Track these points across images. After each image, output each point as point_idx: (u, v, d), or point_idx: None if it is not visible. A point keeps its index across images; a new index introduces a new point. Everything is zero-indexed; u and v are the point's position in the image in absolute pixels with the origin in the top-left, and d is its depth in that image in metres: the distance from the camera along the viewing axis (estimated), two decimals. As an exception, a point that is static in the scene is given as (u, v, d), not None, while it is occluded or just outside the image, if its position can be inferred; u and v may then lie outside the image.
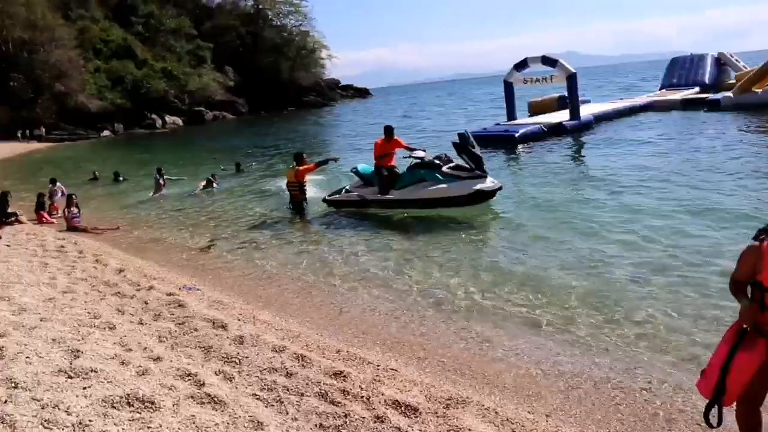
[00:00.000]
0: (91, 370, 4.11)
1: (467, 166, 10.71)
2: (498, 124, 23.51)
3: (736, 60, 35.95)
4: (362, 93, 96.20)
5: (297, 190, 12.36)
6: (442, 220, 10.46)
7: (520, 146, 19.70)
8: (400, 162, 12.07)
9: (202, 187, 16.78)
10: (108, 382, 3.97)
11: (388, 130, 11.73)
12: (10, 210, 12.61)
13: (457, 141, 10.74)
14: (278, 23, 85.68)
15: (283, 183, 14.15)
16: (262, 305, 6.88)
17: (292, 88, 78.05)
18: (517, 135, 20.25)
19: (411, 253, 8.77)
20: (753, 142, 16.49)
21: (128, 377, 4.12)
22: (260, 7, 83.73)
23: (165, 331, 5.38)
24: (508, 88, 23.98)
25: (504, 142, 20.24)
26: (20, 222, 12.48)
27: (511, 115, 24.35)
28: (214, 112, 68.61)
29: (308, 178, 12.88)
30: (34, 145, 46.13)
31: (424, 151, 11.69)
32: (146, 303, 6.35)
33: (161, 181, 17.03)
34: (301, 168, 12.30)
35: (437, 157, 11.20)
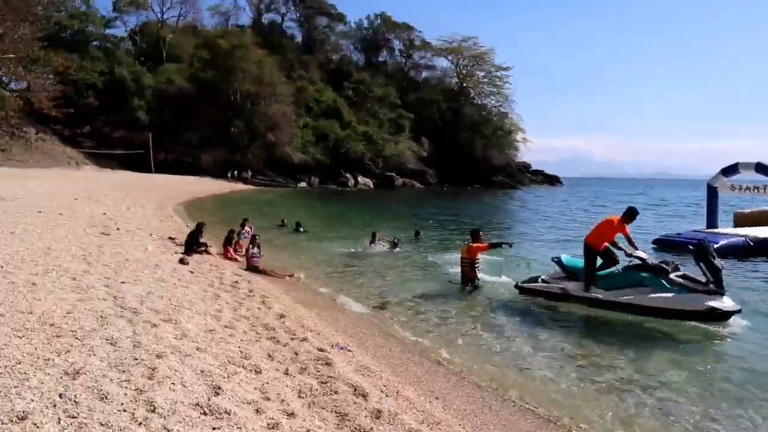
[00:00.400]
0: (226, 412, 4.17)
1: (700, 278, 9.58)
2: (695, 231, 21.56)
3: None
4: (552, 180, 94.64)
5: (468, 266, 12.24)
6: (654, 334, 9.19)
7: (718, 259, 17.76)
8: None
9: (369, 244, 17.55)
10: (238, 428, 4.00)
11: (632, 213, 10.53)
12: (202, 240, 13.71)
13: (696, 247, 9.69)
14: (479, 102, 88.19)
15: (452, 257, 14.02)
16: (410, 381, 6.65)
17: (483, 166, 79.17)
18: (716, 245, 18.35)
19: (594, 366, 7.70)
20: None
21: (258, 428, 4.12)
22: (464, 85, 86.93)
23: (306, 387, 5.37)
24: (712, 193, 22.00)
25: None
26: (209, 253, 13.41)
27: (711, 222, 22.24)
28: (404, 178, 71.48)
29: (481, 256, 12.68)
30: (240, 186, 51.23)
31: (645, 252, 10.62)
32: (296, 354, 6.43)
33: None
34: (474, 245, 12.20)
35: (664, 262, 10.04)
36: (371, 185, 66.75)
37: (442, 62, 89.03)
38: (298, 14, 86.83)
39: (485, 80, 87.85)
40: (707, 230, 21.37)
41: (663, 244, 20.12)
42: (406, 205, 41.63)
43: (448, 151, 77.71)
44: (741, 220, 26.10)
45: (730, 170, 21.18)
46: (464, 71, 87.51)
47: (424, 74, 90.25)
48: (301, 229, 21.70)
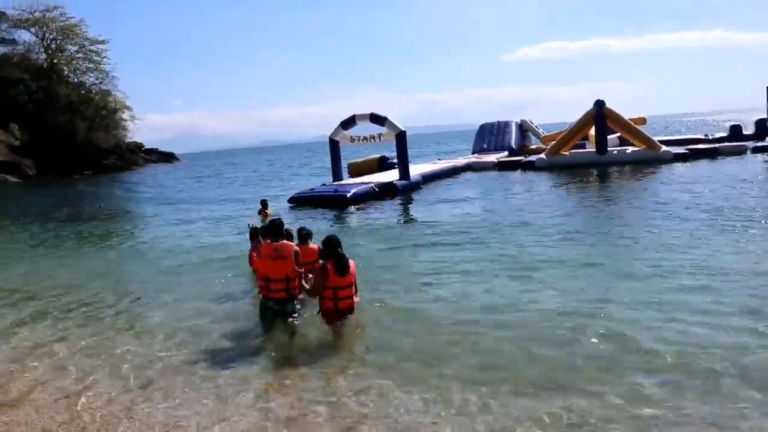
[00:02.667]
0: None
1: None
2: (324, 185, 22.16)
3: (536, 126, 39.07)
4: (168, 157, 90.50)
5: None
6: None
7: (352, 207, 18.45)
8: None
9: None
10: None
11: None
12: None
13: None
14: (75, 80, 78.98)
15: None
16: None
17: (90, 150, 71.54)
18: (348, 195, 19.01)
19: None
20: (562, 195, 18.78)
21: None
22: (55, 61, 76.65)
23: None
24: (334, 146, 22.86)
25: (334, 202, 18.93)
26: None
27: (337, 175, 23.19)
28: (-6, 174, 60.17)
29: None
30: None
31: None
32: None
33: None
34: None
35: None
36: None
37: (25, 36, 76.63)
38: None
39: (80, 56, 78.74)
40: (336, 183, 22.16)
41: (298, 201, 20.13)
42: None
43: (46, 138, 67.95)
44: (356, 170, 28.26)
45: (348, 123, 22.17)
46: (53, 46, 76.97)
47: (2, 50, 76.50)
48: None
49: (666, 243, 9.84)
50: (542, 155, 27.39)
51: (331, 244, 6.64)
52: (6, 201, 36.01)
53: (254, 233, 8.65)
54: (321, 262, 6.93)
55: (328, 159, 24.13)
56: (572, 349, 5.65)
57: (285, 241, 7.05)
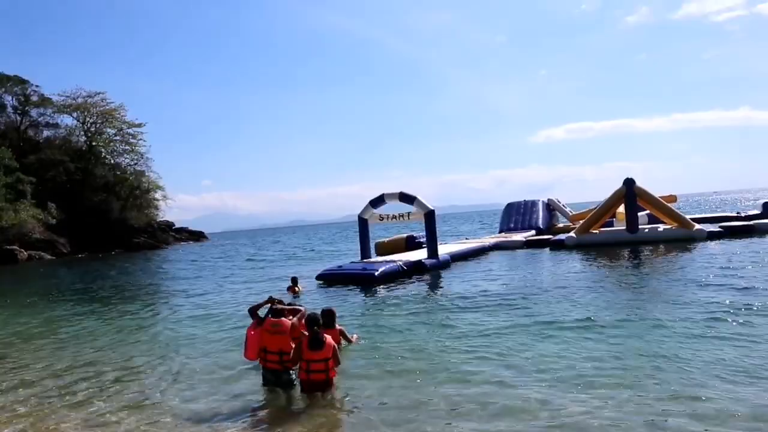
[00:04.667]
0: None
1: None
2: (353, 263, 22.18)
3: (563, 205, 38.96)
4: (197, 236, 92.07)
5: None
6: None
7: (381, 285, 18.32)
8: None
9: None
10: None
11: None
12: None
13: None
14: (111, 161, 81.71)
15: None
16: None
17: (122, 229, 73.16)
18: (377, 274, 18.93)
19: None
20: (593, 271, 18.91)
21: None
22: (93, 144, 79.61)
23: None
24: (363, 224, 22.99)
25: (362, 281, 18.86)
26: None
27: (365, 253, 23.20)
28: (29, 251, 61.49)
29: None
30: None
31: None
32: None
33: None
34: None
35: None
36: (-13, 263, 55.66)
37: (67, 120, 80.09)
38: None
39: (117, 138, 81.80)
40: (364, 261, 22.14)
41: (326, 279, 20.13)
42: (27, 281, 35.13)
43: (80, 216, 69.76)
44: (384, 249, 28.27)
45: (378, 201, 22.37)
46: (93, 129, 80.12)
47: (46, 133, 79.57)
48: None
49: (696, 333, 9.33)
50: (572, 234, 27.16)
51: (309, 320, 7.35)
52: (36, 278, 36.58)
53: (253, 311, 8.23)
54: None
55: (354, 238, 24.25)
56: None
57: (284, 318, 7.68)
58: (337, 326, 9.52)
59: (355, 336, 10.11)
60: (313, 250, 45.10)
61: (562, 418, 6.01)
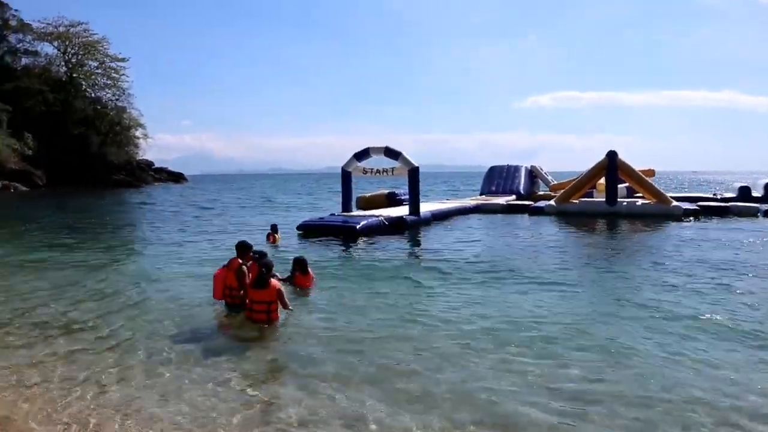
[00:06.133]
0: None
1: None
2: (333, 215, 22.20)
3: (546, 173, 39.16)
4: (177, 177, 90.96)
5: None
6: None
7: (361, 239, 18.43)
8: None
9: None
10: None
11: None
12: None
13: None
14: (93, 95, 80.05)
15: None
16: None
17: (101, 164, 72.20)
18: (358, 227, 19.01)
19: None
20: (567, 238, 19.31)
21: None
22: (74, 75, 77.77)
23: None
24: (346, 177, 22.94)
25: (343, 233, 18.93)
26: None
27: (347, 206, 23.22)
28: (3, 181, 60.48)
29: None
30: None
31: None
32: None
33: None
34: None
35: None
36: (-41, 191, 54.84)
37: (47, 48, 77.90)
38: None
39: (99, 71, 79.97)
40: (345, 214, 22.17)
41: (306, 229, 20.14)
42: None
43: (58, 149, 68.62)
44: (365, 203, 28.25)
45: (362, 155, 22.30)
46: (74, 60, 78.17)
47: (24, 61, 77.47)
48: None
49: (665, 300, 9.61)
50: (552, 201, 27.43)
51: (261, 264, 8.15)
52: (9, 210, 36.17)
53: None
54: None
55: (336, 190, 24.23)
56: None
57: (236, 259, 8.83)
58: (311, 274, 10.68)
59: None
60: (293, 200, 45.08)
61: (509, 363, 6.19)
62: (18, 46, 76.48)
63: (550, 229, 21.48)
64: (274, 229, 18.09)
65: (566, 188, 28.38)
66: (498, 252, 15.74)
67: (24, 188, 62.20)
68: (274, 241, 17.42)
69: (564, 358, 6.72)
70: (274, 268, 8.49)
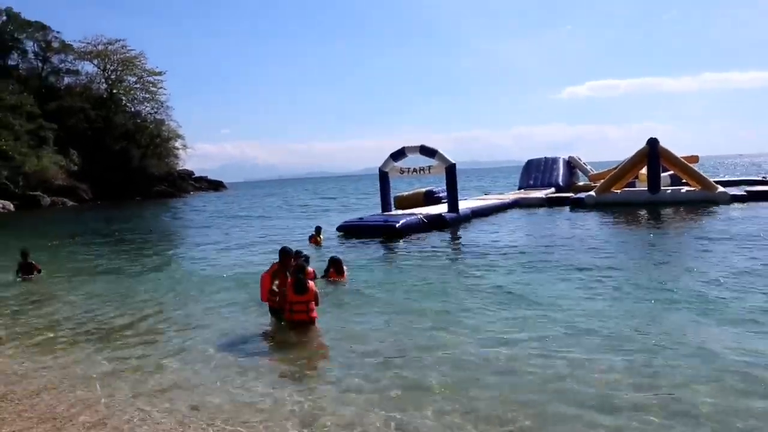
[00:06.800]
0: None
1: None
2: (373, 215, 22.35)
3: (584, 164, 38.58)
4: (216, 185, 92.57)
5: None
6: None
7: (401, 238, 18.51)
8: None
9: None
10: None
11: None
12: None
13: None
14: (132, 109, 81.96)
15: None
16: None
17: (142, 177, 73.84)
18: (397, 225, 19.10)
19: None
20: (610, 230, 18.97)
21: None
22: (114, 91, 79.80)
23: None
24: (384, 177, 23.04)
25: (383, 232, 19.05)
26: None
27: (386, 206, 23.33)
28: (52, 197, 62.38)
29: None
30: None
31: None
32: None
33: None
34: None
35: None
36: (12, 208, 56.67)
37: (88, 67, 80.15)
38: None
39: (137, 86, 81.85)
40: (385, 213, 22.28)
41: (346, 230, 20.31)
42: (54, 225, 35.80)
43: (102, 164, 70.46)
44: (402, 203, 28.28)
45: (398, 155, 22.38)
46: (113, 77, 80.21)
47: (67, 80, 79.73)
48: None
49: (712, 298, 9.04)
50: (592, 192, 27.03)
51: (296, 268, 8.30)
52: (63, 223, 37.32)
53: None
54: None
55: (374, 191, 24.33)
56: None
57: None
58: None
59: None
60: (332, 202, 45.41)
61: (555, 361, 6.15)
62: (60, 66, 78.80)
63: (591, 221, 21.17)
64: (317, 230, 18.38)
65: (607, 178, 27.92)
66: (540, 246, 15.57)
67: (72, 203, 64.02)
68: (317, 242, 17.70)
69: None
70: (308, 266, 9.04)
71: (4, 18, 74.25)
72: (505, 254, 14.14)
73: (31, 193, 60.16)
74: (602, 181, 28.52)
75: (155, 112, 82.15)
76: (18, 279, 13.73)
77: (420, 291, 10.40)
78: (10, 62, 75.94)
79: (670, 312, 8.12)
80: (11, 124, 63.50)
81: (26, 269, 14.02)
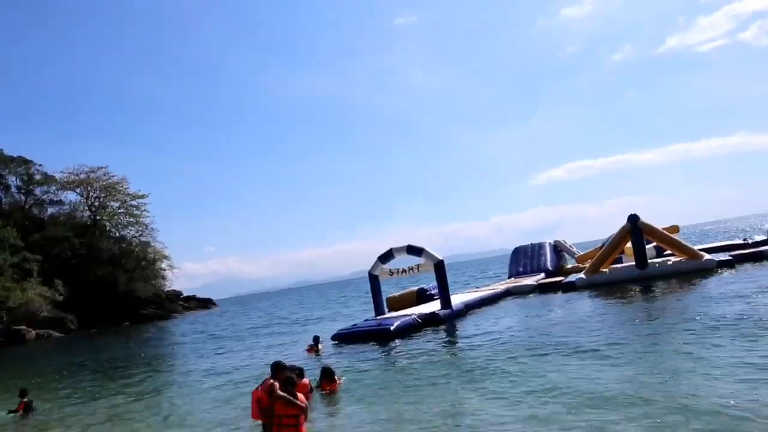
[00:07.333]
0: None
1: None
2: (367, 320, 22.13)
3: (570, 246, 38.89)
4: (205, 303, 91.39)
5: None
6: None
7: (397, 340, 18.27)
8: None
9: None
10: None
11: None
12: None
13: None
14: (117, 234, 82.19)
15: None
16: None
17: (129, 301, 72.99)
18: (392, 328, 18.89)
19: None
20: (605, 311, 18.85)
21: None
22: (97, 218, 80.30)
23: None
24: (374, 281, 23.01)
25: (378, 337, 18.81)
26: None
27: (378, 309, 23.15)
28: (38, 330, 61.21)
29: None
30: None
31: None
32: None
33: None
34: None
35: None
36: (-5, 345, 55.47)
37: (71, 196, 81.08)
38: None
39: (121, 211, 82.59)
40: (379, 317, 22.07)
41: (342, 338, 20.01)
42: (42, 359, 34.89)
43: (87, 292, 69.79)
44: (395, 303, 28.03)
45: (386, 257, 22.46)
46: (96, 203, 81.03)
47: (50, 210, 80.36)
48: None
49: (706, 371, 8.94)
50: (582, 274, 27.13)
51: (285, 381, 7.89)
52: (49, 356, 36.40)
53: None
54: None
55: (364, 294, 24.30)
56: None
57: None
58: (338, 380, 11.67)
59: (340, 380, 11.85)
60: (324, 308, 44.95)
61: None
62: (43, 197, 79.57)
63: (584, 303, 21.16)
64: (315, 340, 18.36)
65: (594, 259, 28.11)
66: (538, 332, 15.50)
67: (57, 334, 62.77)
68: (316, 352, 17.63)
69: None
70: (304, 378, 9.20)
71: (-14, 156, 75.66)
72: (503, 344, 14.01)
73: (15, 327, 59.05)
74: (590, 261, 28.72)
75: (140, 235, 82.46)
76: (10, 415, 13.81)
77: (416, 393, 10.22)
78: (-7, 197, 76.70)
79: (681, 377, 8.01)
80: (-6, 258, 63.24)
81: (25, 407, 14.07)
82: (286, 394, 7.81)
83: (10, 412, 13.96)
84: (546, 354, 11.92)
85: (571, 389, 8.57)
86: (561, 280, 28.40)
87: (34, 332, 60.47)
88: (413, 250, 21.86)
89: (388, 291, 29.47)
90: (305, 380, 10.13)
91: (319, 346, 18.10)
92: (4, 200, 77.54)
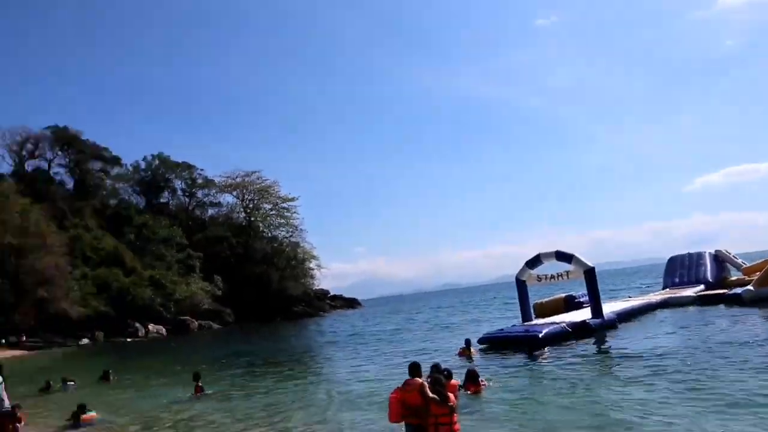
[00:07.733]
0: None
1: None
2: (514, 326, 21.90)
3: (734, 256, 35.90)
4: (351, 303, 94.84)
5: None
6: None
7: (546, 348, 17.91)
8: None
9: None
10: None
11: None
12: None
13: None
14: (269, 234, 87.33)
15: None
16: None
17: (281, 298, 77.21)
18: (540, 335, 18.54)
19: None
20: None
21: None
22: (252, 219, 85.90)
23: None
24: (521, 286, 22.72)
25: (526, 343, 18.52)
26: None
27: (526, 315, 22.81)
28: (200, 321, 66.71)
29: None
30: (8, 353, 43.28)
31: None
32: None
33: None
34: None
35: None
36: (164, 332, 61.16)
37: (228, 198, 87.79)
38: (66, 159, 79.62)
39: (273, 213, 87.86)
40: (526, 323, 21.77)
41: (488, 342, 19.95)
42: (201, 348, 37.92)
43: (243, 288, 74.93)
44: (542, 310, 27.42)
45: (534, 262, 22.09)
46: (251, 205, 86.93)
47: (210, 212, 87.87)
48: (71, 383, 20.35)
49: None
50: (749, 287, 25.00)
51: (434, 381, 8.01)
52: (210, 346, 39.51)
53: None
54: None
55: (507, 299, 24.02)
56: None
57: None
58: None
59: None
60: (470, 311, 44.86)
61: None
62: (204, 199, 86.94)
63: (753, 319, 19.46)
64: (467, 343, 18.53)
65: (764, 270, 25.80)
66: (701, 354, 14.13)
67: (216, 326, 67.93)
68: (468, 355, 17.86)
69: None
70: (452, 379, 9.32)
71: (157, 162, 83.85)
72: (663, 360, 13.23)
73: (181, 317, 64.69)
74: (759, 274, 26.38)
75: (290, 236, 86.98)
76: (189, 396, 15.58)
77: (562, 406, 9.94)
78: (162, 200, 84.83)
79: None
80: (164, 255, 69.86)
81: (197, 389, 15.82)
82: (435, 395, 7.87)
83: (192, 395, 15.57)
84: (717, 370, 11.11)
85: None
86: (724, 293, 26.37)
87: (196, 323, 65.95)
88: (562, 256, 21.32)
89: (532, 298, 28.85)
90: (454, 381, 10.34)
91: (471, 349, 18.22)
92: (171, 202, 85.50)
